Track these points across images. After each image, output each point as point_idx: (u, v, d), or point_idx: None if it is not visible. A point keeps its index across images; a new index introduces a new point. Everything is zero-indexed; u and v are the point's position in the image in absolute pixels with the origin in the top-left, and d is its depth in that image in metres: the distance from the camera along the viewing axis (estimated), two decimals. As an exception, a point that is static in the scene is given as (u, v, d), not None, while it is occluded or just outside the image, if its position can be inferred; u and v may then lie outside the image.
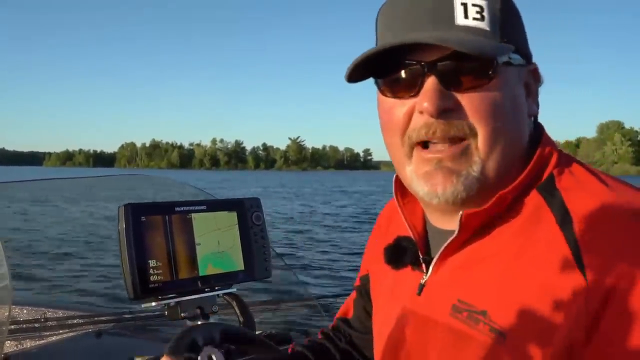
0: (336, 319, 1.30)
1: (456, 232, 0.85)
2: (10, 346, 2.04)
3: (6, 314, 1.75)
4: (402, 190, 1.01)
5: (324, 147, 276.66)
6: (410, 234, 0.98)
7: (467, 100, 0.81)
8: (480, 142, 0.82)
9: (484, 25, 0.81)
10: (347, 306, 1.29)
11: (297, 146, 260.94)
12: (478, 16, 0.81)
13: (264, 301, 2.55)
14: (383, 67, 0.86)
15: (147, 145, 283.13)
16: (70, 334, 2.23)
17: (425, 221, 1.01)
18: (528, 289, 0.78)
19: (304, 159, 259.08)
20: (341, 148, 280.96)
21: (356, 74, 0.88)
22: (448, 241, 0.87)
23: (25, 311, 2.41)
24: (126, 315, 2.29)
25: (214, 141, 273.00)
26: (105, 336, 2.23)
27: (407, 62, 0.83)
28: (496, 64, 0.81)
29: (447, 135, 0.82)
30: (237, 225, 1.10)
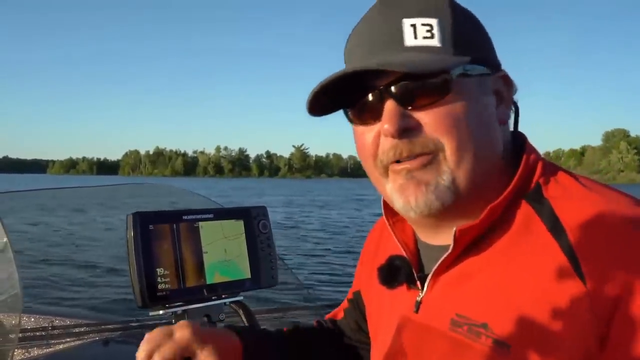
0: (327, 318, 1.32)
1: (451, 248, 0.85)
2: (18, 354, 2.05)
3: (15, 322, 1.77)
4: (391, 209, 1.02)
5: (327, 155, 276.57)
6: (402, 252, 0.98)
7: (427, 117, 0.82)
8: (448, 155, 0.83)
9: (434, 42, 0.82)
10: (337, 310, 1.31)
11: (301, 154, 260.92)
12: (428, 34, 0.82)
13: (270, 309, 2.55)
14: (348, 97, 0.89)
15: (151, 152, 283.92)
16: (78, 342, 2.23)
17: (415, 238, 1.01)
18: (527, 298, 0.78)
19: (308, 166, 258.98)
20: (344, 156, 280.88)
21: (320, 107, 0.90)
22: (442, 257, 0.87)
23: (32, 319, 2.42)
24: (133, 324, 2.30)
25: (218, 149, 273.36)
26: (113, 344, 2.23)
27: (367, 88, 0.86)
28: (449, 77, 0.82)
29: (413, 153, 0.84)
30: (244, 234, 1.11)
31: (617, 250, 0.74)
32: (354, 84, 0.86)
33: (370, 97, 0.86)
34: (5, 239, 1.71)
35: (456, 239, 0.84)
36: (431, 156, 0.83)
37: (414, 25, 0.83)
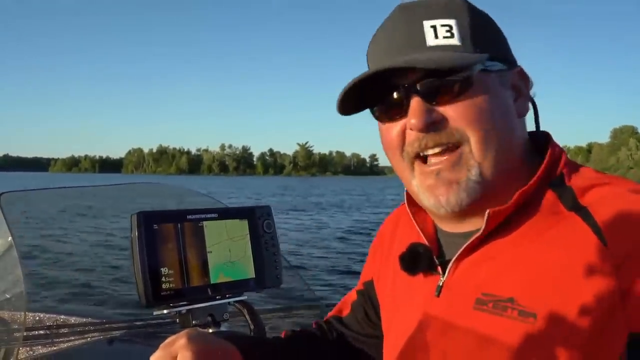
0: (329, 316, 1.32)
1: (482, 230, 0.88)
2: (22, 353, 2.06)
3: (20, 320, 1.77)
4: (411, 200, 1.05)
5: (331, 153, 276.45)
6: (423, 239, 1.01)
7: (451, 111, 0.87)
8: (474, 145, 0.87)
9: (454, 41, 0.88)
10: (342, 306, 1.32)
11: (306, 151, 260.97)
12: (448, 34, 0.88)
13: (274, 308, 2.55)
14: (375, 96, 0.94)
15: (154, 151, 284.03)
16: (82, 341, 2.23)
17: (435, 227, 1.04)
18: (553, 270, 0.81)
19: (313, 164, 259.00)
20: (348, 153, 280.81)
21: (348, 107, 0.95)
22: (472, 238, 0.90)
23: (37, 318, 2.42)
24: (138, 323, 2.30)
25: (222, 147, 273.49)
26: (117, 343, 2.24)
27: (392, 87, 0.91)
28: (471, 73, 0.87)
29: (439, 143, 0.89)
30: (248, 233, 1.11)
31: (635, 212, 0.79)
32: (379, 84, 0.91)
33: (395, 94, 0.91)
34: (10, 238, 1.72)
35: (488, 221, 0.88)
36: (458, 152, 0.88)
37: (434, 27, 0.88)
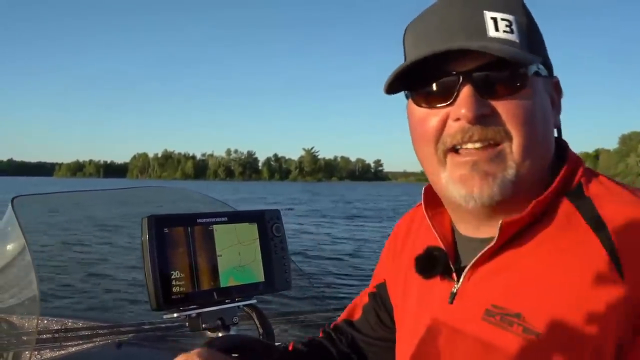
0: (340, 320, 1.30)
1: (495, 239, 0.87)
2: (32, 356, 2.06)
3: (32, 324, 1.78)
4: (430, 202, 1.04)
5: (336, 158, 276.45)
6: (440, 243, 1.00)
7: (502, 107, 0.85)
8: (515, 147, 0.85)
9: (513, 37, 0.85)
10: (353, 309, 1.30)
11: (312, 157, 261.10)
12: (507, 29, 0.85)
13: (284, 312, 2.55)
14: (415, 79, 0.90)
15: (159, 155, 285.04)
16: (91, 345, 2.24)
17: (453, 232, 1.03)
18: (563, 290, 0.79)
19: (319, 169, 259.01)
20: (352, 159, 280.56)
21: (393, 86, 0.92)
22: (485, 249, 0.89)
23: (46, 322, 2.43)
24: (146, 326, 2.30)
25: (228, 152, 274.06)
26: (126, 347, 2.24)
27: (441, 72, 0.87)
28: (527, 72, 0.85)
29: (484, 138, 0.85)
30: (257, 237, 1.11)
31: None
32: (426, 67, 0.87)
33: (444, 81, 0.88)
34: (23, 242, 1.73)
35: (501, 231, 0.86)
36: (499, 148, 0.86)
37: (494, 19, 0.85)
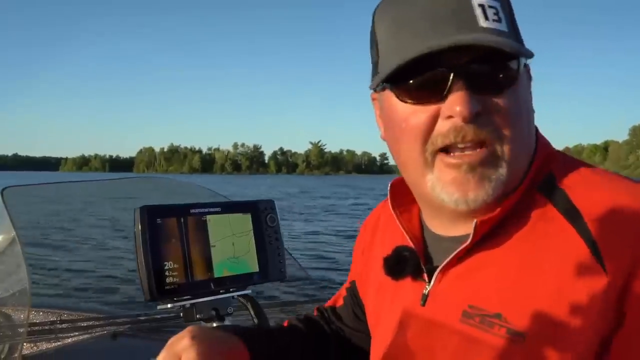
0: (327, 306, 1.28)
1: (470, 239, 0.83)
2: (26, 348, 2.06)
3: (24, 316, 1.77)
4: (397, 198, 1.00)
5: (342, 151, 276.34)
6: (409, 242, 0.95)
7: (494, 105, 0.79)
8: (506, 147, 0.80)
9: (502, 26, 0.79)
10: (337, 297, 1.28)
11: (319, 150, 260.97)
12: (496, 17, 0.78)
13: (279, 302, 2.55)
14: (399, 73, 0.81)
15: (166, 150, 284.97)
16: (86, 336, 2.23)
17: (422, 229, 0.99)
18: (543, 286, 0.76)
19: (326, 163, 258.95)
20: (358, 152, 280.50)
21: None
22: (459, 248, 0.85)
23: (41, 313, 2.42)
24: (142, 317, 2.30)
25: (235, 146, 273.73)
26: (121, 338, 2.24)
27: (430, 64, 0.79)
28: (519, 65, 0.80)
29: (478, 138, 0.79)
30: (251, 228, 1.11)
31: (633, 233, 0.73)
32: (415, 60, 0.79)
33: (433, 75, 0.80)
34: (13, 233, 1.71)
35: (476, 230, 0.82)
36: (491, 149, 0.80)
37: (482, 6, 0.78)
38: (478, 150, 0.80)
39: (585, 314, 0.72)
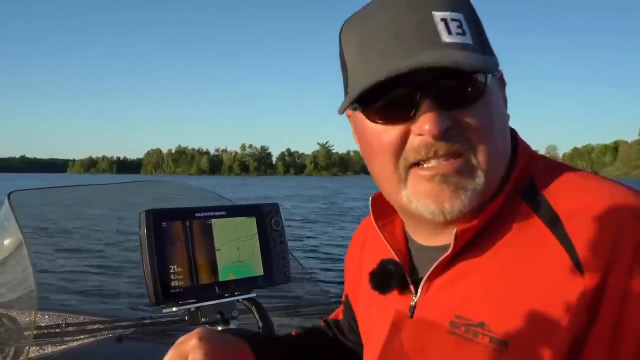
0: (330, 318, 1.30)
1: (450, 249, 0.83)
2: (33, 351, 2.07)
3: (30, 319, 1.78)
4: (379, 212, 1.00)
5: (349, 152, 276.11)
6: (393, 255, 0.95)
7: (465, 118, 0.79)
8: (481, 157, 0.80)
9: (466, 39, 0.78)
10: (338, 311, 1.30)
11: (326, 151, 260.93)
12: (460, 31, 0.77)
13: (283, 306, 2.55)
14: (367, 95, 0.80)
15: (173, 151, 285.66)
16: (91, 339, 2.25)
17: (406, 240, 0.99)
18: (525, 294, 0.77)
19: (334, 164, 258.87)
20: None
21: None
22: (440, 259, 0.85)
23: (47, 316, 2.44)
24: (146, 321, 2.31)
25: (243, 147, 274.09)
26: (126, 341, 2.24)
27: (395, 84, 0.78)
28: (486, 78, 0.79)
29: (449, 153, 0.80)
30: (256, 231, 1.11)
31: (616, 241, 0.72)
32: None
33: (401, 94, 0.79)
34: (20, 237, 1.72)
35: (456, 240, 0.82)
36: (465, 159, 0.80)
37: (444, 20, 0.77)
38: (451, 160, 0.80)
39: (564, 320, 0.72)
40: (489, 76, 0.80)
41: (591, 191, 0.80)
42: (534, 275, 0.76)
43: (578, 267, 0.73)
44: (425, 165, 0.82)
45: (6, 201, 1.79)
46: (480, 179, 0.81)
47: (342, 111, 0.87)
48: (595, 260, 0.72)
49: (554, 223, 0.78)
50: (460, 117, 0.79)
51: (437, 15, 0.77)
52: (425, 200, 0.83)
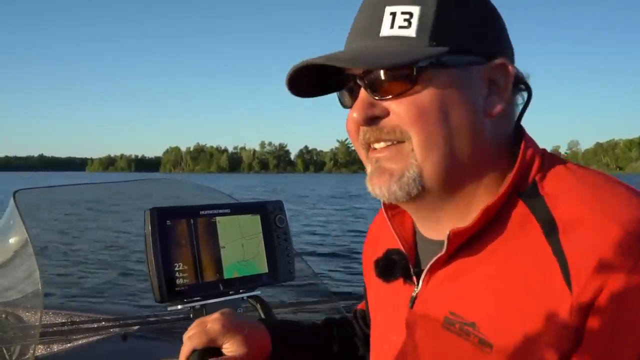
0: (357, 309, 1.31)
1: (444, 249, 0.84)
2: (38, 350, 2.08)
3: (36, 317, 1.79)
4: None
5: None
6: (400, 246, 0.97)
7: (394, 107, 0.83)
8: (415, 146, 0.82)
9: (409, 32, 0.81)
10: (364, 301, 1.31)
11: (346, 148, 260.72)
12: (405, 24, 0.81)
13: (288, 303, 2.56)
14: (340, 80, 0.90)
15: (192, 149, 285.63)
16: (97, 337, 2.26)
17: (414, 232, 0.99)
18: (514, 299, 0.77)
19: (353, 161, 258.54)
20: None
21: (306, 89, 0.92)
22: (435, 257, 0.87)
23: (52, 315, 2.45)
24: (151, 319, 2.32)
25: (262, 144, 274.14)
26: (131, 339, 2.26)
27: (349, 76, 0.87)
28: (416, 69, 0.80)
29: (380, 139, 0.85)
30: (260, 228, 1.11)
31: (607, 256, 0.72)
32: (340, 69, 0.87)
33: (350, 84, 0.89)
34: (26, 236, 1.73)
35: (449, 241, 0.83)
36: (398, 146, 0.84)
37: (393, 14, 0.82)
38: (383, 146, 0.86)
39: (548, 331, 0.73)
40: (423, 67, 0.80)
41: (593, 202, 0.78)
42: (525, 283, 0.77)
43: (568, 283, 0.72)
44: (371, 150, 0.89)
45: (11, 200, 1.79)
46: (414, 167, 0.83)
47: (289, 88, 0.91)
48: (585, 281, 0.71)
49: (550, 230, 0.77)
50: (389, 106, 0.83)
51: (389, 9, 0.82)
52: (369, 183, 0.89)
